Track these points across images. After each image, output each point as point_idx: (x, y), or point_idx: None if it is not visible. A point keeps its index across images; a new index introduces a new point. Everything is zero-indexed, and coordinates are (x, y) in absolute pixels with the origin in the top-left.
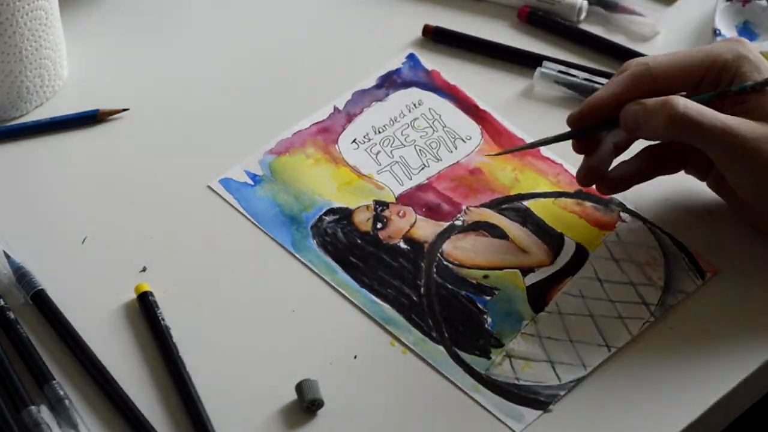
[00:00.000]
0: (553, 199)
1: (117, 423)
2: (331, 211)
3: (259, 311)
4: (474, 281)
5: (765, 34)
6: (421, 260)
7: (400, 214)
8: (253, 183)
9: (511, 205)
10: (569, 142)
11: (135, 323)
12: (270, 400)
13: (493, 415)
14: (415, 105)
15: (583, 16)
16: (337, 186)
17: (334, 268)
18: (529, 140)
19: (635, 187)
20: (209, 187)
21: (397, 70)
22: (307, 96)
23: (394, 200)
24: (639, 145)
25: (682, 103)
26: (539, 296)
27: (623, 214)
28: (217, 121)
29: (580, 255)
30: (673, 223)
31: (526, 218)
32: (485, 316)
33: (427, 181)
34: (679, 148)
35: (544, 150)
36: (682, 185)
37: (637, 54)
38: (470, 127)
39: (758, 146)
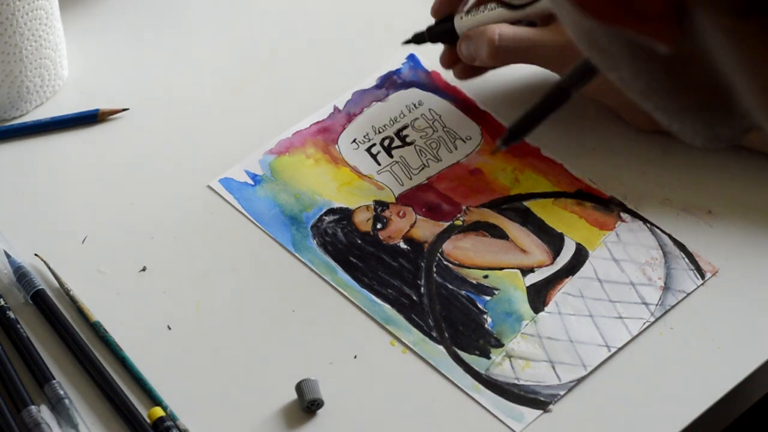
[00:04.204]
0: (553, 199)
1: (117, 423)
2: (331, 211)
3: (259, 311)
4: (474, 281)
5: None
6: (421, 260)
7: (400, 214)
8: (253, 183)
9: (511, 205)
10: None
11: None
12: (270, 400)
13: (493, 415)
14: (415, 105)
15: None
16: (337, 186)
17: (334, 268)
18: (528, 140)
19: (635, 187)
20: (209, 187)
21: (397, 71)
22: (307, 96)
23: (394, 200)
24: None
25: (497, 32)
26: (539, 296)
27: (623, 214)
28: (217, 121)
29: (580, 255)
30: (673, 223)
31: (526, 218)
32: (485, 316)
33: (427, 182)
34: None
35: (544, 150)
36: (682, 185)
37: None
38: (470, 128)
39: (564, 50)
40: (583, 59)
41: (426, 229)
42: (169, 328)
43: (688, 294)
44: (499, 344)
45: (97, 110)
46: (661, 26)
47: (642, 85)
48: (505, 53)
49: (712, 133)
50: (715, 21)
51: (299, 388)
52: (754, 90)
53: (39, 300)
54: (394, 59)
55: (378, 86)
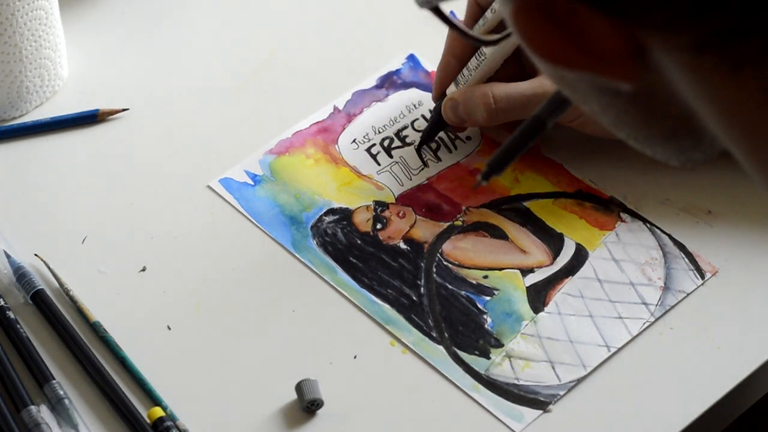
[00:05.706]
0: (553, 199)
1: (117, 423)
2: (331, 211)
3: (259, 311)
4: (474, 281)
5: None
6: (421, 260)
7: (400, 214)
8: (253, 183)
9: (511, 205)
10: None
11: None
12: (270, 400)
13: (493, 415)
14: (415, 106)
15: None
16: (337, 186)
17: (334, 268)
18: None
19: (635, 187)
20: (209, 187)
21: (397, 71)
22: (307, 96)
23: (394, 201)
24: None
25: (490, 94)
26: (539, 296)
27: (623, 214)
28: (217, 120)
29: (580, 255)
30: (673, 223)
31: (526, 218)
32: (485, 317)
33: (426, 182)
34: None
35: (544, 150)
36: (682, 185)
37: None
38: (470, 128)
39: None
40: (557, 90)
41: (426, 230)
42: (169, 328)
43: (688, 294)
44: (499, 344)
45: (97, 110)
46: (621, 66)
47: (611, 117)
48: (503, 114)
49: (685, 157)
50: (673, 57)
51: (299, 388)
52: (715, 119)
53: (39, 300)
54: (394, 59)
55: (378, 86)
